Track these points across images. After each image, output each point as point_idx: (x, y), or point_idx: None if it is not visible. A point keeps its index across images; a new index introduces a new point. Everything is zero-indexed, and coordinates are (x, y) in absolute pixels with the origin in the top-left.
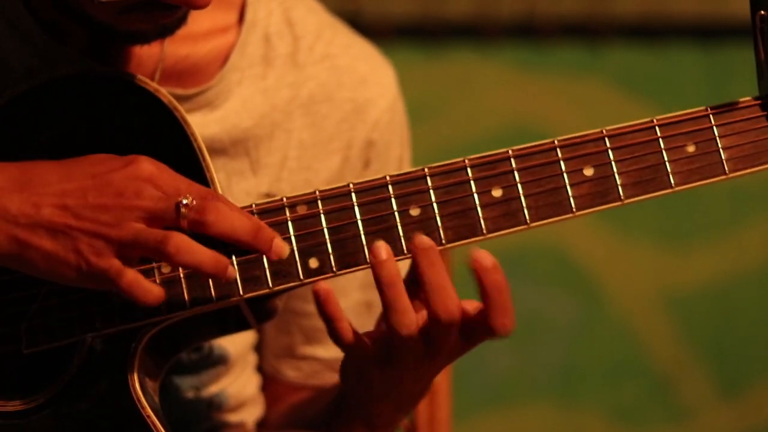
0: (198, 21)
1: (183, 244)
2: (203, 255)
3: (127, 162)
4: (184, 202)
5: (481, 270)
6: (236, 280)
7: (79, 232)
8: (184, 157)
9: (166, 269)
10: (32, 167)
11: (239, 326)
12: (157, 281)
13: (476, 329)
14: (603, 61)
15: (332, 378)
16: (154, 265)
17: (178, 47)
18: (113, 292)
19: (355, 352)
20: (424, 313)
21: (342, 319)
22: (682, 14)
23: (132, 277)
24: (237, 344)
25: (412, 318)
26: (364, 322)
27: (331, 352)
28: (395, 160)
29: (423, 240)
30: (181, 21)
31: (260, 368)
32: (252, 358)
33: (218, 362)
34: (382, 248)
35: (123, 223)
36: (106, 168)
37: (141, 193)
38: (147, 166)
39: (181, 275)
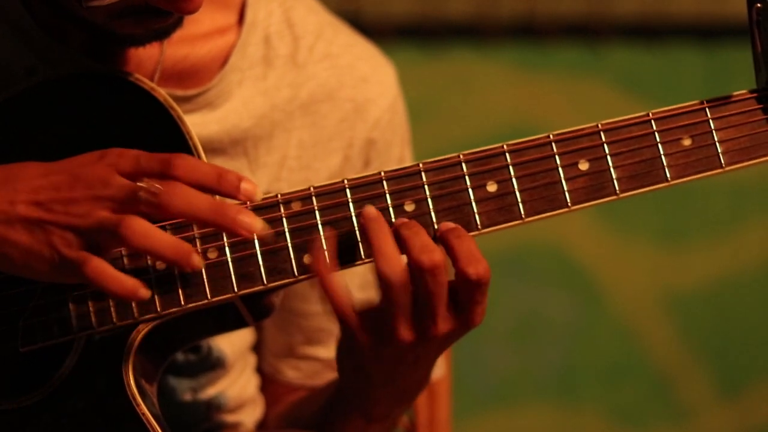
0: (197, 22)
1: (138, 227)
2: (162, 240)
3: (100, 155)
4: (141, 185)
5: (444, 230)
6: (231, 276)
7: (53, 225)
8: None
9: (160, 266)
10: (15, 168)
11: (237, 324)
12: (153, 279)
13: (461, 294)
14: (603, 61)
15: (332, 378)
16: (149, 263)
17: (177, 48)
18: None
19: (346, 318)
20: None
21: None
22: (682, 14)
23: (96, 264)
24: (235, 346)
25: (399, 264)
26: None
27: (332, 352)
28: (396, 159)
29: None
30: (176, 25)
31: (260, 368)
32: (251, 359)
33: (216, 364)
34: (372, 210)
35: (91, 212)
36: (79, 162)
37: (108, 182)
38: (114, 156)
39: (176, 273)
